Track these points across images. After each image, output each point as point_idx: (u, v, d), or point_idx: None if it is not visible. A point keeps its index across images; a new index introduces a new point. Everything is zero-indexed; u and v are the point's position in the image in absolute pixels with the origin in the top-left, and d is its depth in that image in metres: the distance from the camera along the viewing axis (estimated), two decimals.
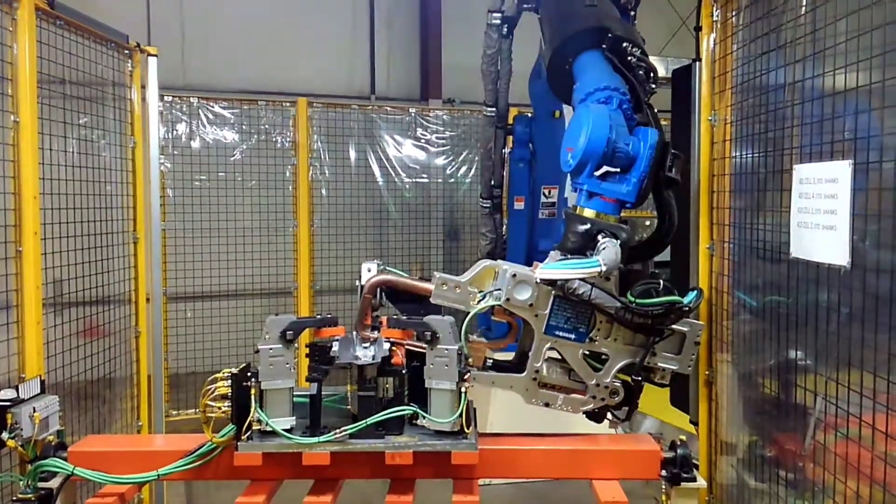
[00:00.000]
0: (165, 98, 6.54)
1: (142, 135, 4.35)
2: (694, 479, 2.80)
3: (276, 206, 6.97)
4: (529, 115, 5.69)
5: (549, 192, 5.52)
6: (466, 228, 8.22)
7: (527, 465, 2.87)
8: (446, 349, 2.72)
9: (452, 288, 2.80)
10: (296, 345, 2.80)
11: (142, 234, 4.31)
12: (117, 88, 4.12)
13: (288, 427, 2.75)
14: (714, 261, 2.99)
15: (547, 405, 2.82)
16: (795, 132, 2.50)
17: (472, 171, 7.85)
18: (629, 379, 2.78)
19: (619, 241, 2.58)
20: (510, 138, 5.67)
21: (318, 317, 2.90)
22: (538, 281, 2.62)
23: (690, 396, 3.16)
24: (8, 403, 2.93)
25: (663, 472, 2.81)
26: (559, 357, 2.78)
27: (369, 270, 3.01)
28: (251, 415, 2.71)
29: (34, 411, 3.01)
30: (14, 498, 2.89)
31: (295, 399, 2.82)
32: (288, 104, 6.81)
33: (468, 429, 2.72)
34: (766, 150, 2.71)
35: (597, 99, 2.75)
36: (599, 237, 2.61)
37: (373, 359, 2.74)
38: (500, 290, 2.74)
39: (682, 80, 3.39)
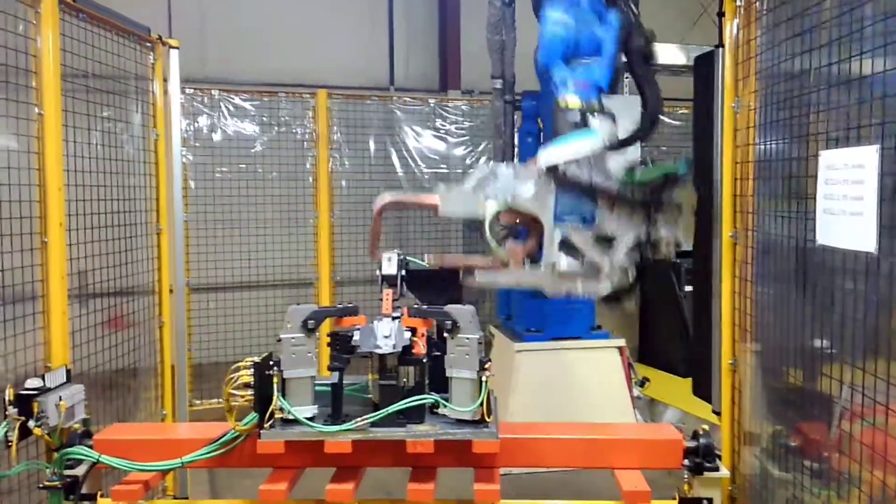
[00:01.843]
0: (187, 90, 6.58)
1: (164, 127, 4.38)
2: (717, 469, 2.79)
3: (297, 197, 6.99)
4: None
5: None
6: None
7: (548, 454, 2.86)
8: (467, 338, 2.71)
9: (457, 197, 2.85)
10: (317, 334, 2.81)
11: (165, 226, 4.34)
12: (139, 81, 4.15)
13: (310, 415, 2.77)
14: (737, 249, 2.95)
15: (569, 295, 2.90)
16: (821, 118, 2.46)
17: (492, 161, 7.82)
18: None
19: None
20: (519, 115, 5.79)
21: (340, 306, 2.91)
22: (542, 168, 2.73)
23: (713, 386, 3.13)
24: (34, 392, 2.96)
25: (686, 462, 2.79)
26: (571, 246, 2.85)
27: (389, 260, 3.01)
28: (273, 403, 2.73)
29: (60, 400, 3.05)
30: (41, 485, 2.94)
31: (317, 388, 2.83)
32: (307, 96, 6.82)
33: (489, 418, 2.72)
34: (791, 136, 2.67)
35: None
36: (590, 118, 2.76)
37: (393, 348, 2.74)
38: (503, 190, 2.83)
39: (705, 67, 3.35)
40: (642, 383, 5.59)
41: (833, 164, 2.29)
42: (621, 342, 5.47)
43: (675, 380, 6.49)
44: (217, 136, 6.90)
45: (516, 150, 5.80)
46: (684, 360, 6.52)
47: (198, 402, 6.55)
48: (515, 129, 5.80)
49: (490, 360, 2.71)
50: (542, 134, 5.69)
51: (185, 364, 4.70)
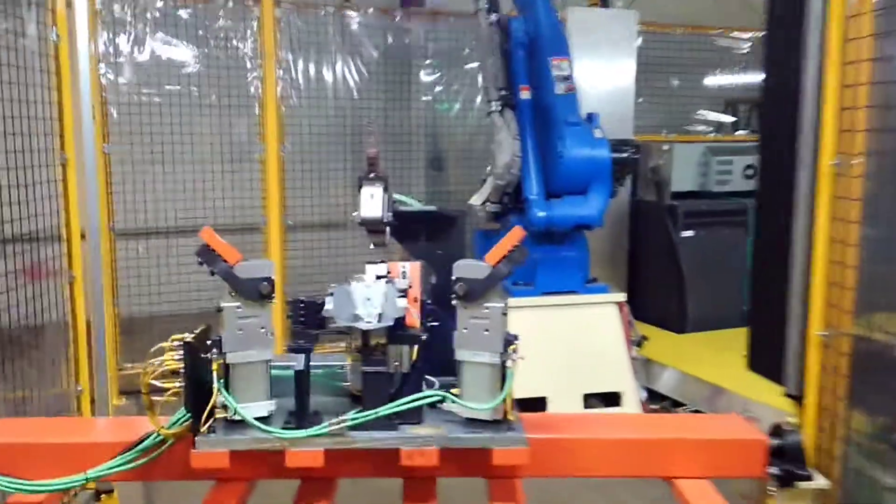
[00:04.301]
0: None
1: (67, 28, 3.42)
2: (809, 478, 2.12)
3: (241, 126, 6.02)
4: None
5: (560, 64, 4.75)
6: (451, 154, 7.37)
7: (588, 459, 2.14)
8: (487, 307, 1.96)
9: None
10: (273, 301, 2.02)
11: (72, 155, 3.42)
12: None
13: (264, 414, 2.00)
14: (840, 182, 2.22)
15: None
16: None
17: (463, 89, 6.96)
18: None
19: None
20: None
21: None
22: None
23: (788, 361, 2.43)
24: None
25: (772, 469, 2.11)
26: None
27: (372, 197, 2.19)
28: (213, 398, 1.94)
29: None
30: None
31: (273, 373, 2.06)
32: (251, 2, 5.78)
33: (511, 415, 1.98)
34: None
35: None
36: None
37: (381, 320, 1.96)
38: None
39: None
40: (639, 342, 4.95)
41: None
42: (621, 297, 4.79)
43: (670, 336, 5.88)
44: (144, 52, 5.83)
45: None
46: (679, 314, 5.92)
47: (129, 364, 5.65)
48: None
49: (518, 338, 1.96)
50: (534, 40, 4.92)
51: (103, 324, 3.84)
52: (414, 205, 2.38)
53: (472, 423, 1.99)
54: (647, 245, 6.20)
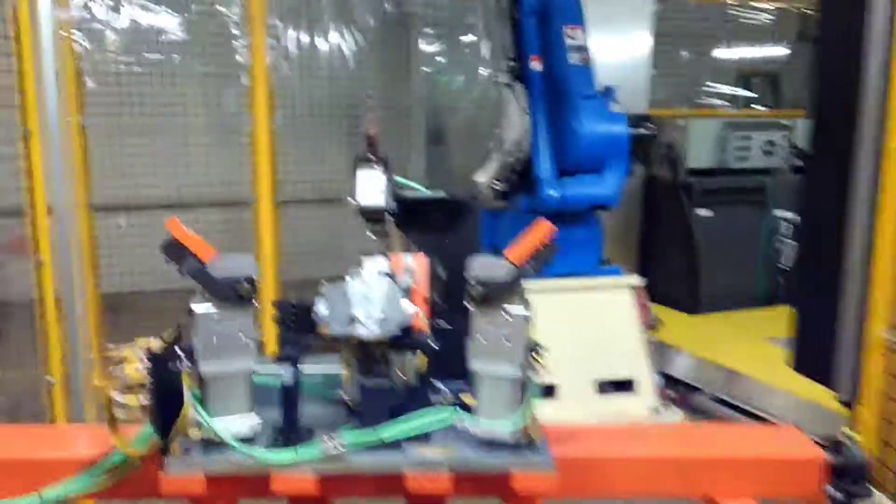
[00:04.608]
0: None
1: None
2: (869, 494, 1.86)
3: (229, 97, 5.70)
4: None
5: (574, 33, 4.45)
6: (453, 129, 7.05)
7: (621, 480, 1.87)
8: (508, 314, 1.67)
9: None
10: (255, 303, 1.72)
11: (35, 128, 3.11)
12: None
13: (247, 432, 1.72)
14: None
15: None
16: None
17: (467, 60, 6.63)
18: None
19: None
20: None
21: None
22: None
23: (840, 363, 2.16)
24: None
25: (832, 490, 1.84)
26: None
27: (371, 181, 1.89)
28: (184, 414, 1.66)
29: None
30: None
31: (258, 380, 1.78)
32: None
33: (535, 434, 1.71)
34: None
35: None
36: None
37: (383, 327, 1.68)
38: None
39: None
40: (655, 326, 4.68)
41: None
42: (636, 279, 4.51)
43: (682, 317, 5.65)
44: (123, 18, 5.47)
45: None
46: (692, 294, 5.66)
47: (112, 346, 5.35)
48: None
49: (541, 347, 1.68)
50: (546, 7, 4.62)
51: (78, 304, 3.54)
52: (420, 190, 2.07)
53: (487, 443, 1.72)
54: (661, 223, 5.94)
